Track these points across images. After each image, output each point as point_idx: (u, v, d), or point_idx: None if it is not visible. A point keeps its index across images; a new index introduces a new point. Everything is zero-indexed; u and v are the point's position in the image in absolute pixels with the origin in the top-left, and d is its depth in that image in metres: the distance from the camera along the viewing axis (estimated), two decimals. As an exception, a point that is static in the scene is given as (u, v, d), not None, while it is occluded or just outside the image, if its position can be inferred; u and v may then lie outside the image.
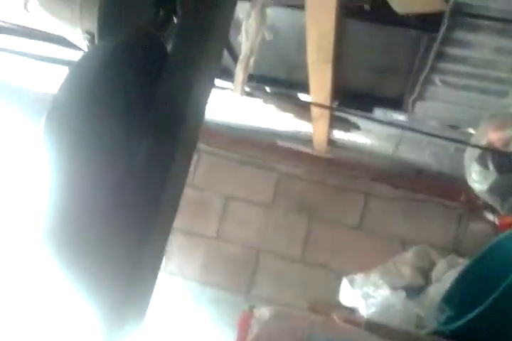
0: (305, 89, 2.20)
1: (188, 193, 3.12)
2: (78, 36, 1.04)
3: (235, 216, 3.16)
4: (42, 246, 0.80)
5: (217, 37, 0.88)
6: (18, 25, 2.28)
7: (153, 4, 1.01)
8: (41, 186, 0.80)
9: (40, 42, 2.29)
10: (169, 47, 0.92)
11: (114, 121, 0.85)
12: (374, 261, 2.50)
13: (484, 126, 1.89)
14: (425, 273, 2.40)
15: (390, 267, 2.46)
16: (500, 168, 1.71)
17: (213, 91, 0.92)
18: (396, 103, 2.23)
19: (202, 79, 0.87)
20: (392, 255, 2.61)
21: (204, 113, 0.91)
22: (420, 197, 2.95)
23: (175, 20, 1.03)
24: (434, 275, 2.35)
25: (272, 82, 2.40)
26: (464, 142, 1.99)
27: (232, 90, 1.93)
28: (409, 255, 2.51)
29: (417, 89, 1.98)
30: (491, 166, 1.73)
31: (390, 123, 2.42)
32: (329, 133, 2.74)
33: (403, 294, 2.11)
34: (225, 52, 2.01)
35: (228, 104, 2.70)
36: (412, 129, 2.36)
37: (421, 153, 2.64)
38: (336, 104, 2.30)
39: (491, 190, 1.78)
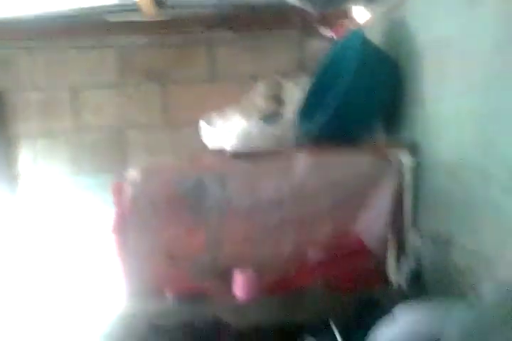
0: None
1: (33, 96, 3.02)
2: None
3: (88, 105, 3.06)
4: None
5: None
6: None
7: None
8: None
9: None
10: None
11: None
12: (234, 102, 2.52)
13: None
14: (278, 100, 2.47)
15: (244, 103, 2.50)
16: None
17: None
18: None
19: None
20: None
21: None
22: (259, 33, 2.96)
23: None
24: (285, 98, 2.43)
25: None
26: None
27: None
28: (259, 87, 2.56)
29: None
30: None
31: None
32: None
33: (260, 121, 2.16)
34: None
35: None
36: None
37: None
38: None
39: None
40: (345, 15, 2.65)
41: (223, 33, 2.99)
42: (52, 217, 3.04)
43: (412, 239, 1.81)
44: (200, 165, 2.01)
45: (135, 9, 2.86)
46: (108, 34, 3.03)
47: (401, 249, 1.88)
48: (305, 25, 2.88)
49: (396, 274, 1.86)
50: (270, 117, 2.31)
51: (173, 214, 1.90)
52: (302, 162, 1.89)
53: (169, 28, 3.01)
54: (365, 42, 2.01)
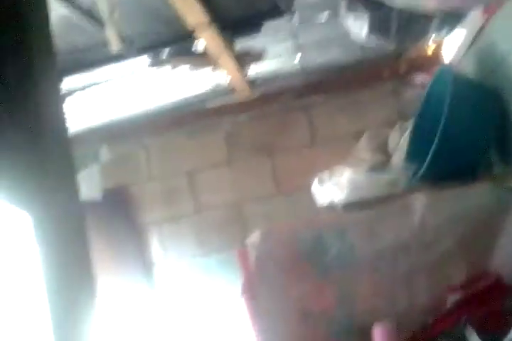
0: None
1: (154, 187, 3.22)
2: None
3: (205, 186, 3.21)
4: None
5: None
6: None
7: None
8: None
9: None
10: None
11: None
12: (339, 163, 2.55)
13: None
14: (383, 150, 2.47)
15: (351, 159, 2.52)
16: (369, 7, 1.78)
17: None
18: (275, 11, 2.29)
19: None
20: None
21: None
22: (353, 93, 3.02)
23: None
24: (390, 146, 2.42)
25: (158, 44, 2.44)
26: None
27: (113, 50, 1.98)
28: (363, 142, 2.58)
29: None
30: (360, 8, 1.79)
31: (285, 37, 2.50)
32: (242, 73, 2.79)
33: (368, 172, 2.18)
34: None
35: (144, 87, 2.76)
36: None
37: (327, 53, 2.71)
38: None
39: (371, 30, 1.84)
40: (430, 53, 2.67)
41: (314, 97, 3.07)
42: (186, 300, 3.12)
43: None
44: (316, 222, 2.02)
45: (230, 92, 3.05)
46: (212, 117, 3.21)
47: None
48: (397, 75, 2.90)
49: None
50: (378, 167, 2.31)
51: (298, 271, 1.91)
52: (418, 202, 1.86)
53: (265, 103, 3.14)
54: (456, 77, 2.00)
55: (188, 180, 3.21)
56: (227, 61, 2.59)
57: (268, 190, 3.09)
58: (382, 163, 2.36)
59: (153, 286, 3.17)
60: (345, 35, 2.17)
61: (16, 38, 0.81)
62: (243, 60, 2.70)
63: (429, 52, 2.73)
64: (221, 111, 3.17)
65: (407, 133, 2.31)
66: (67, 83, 2.44)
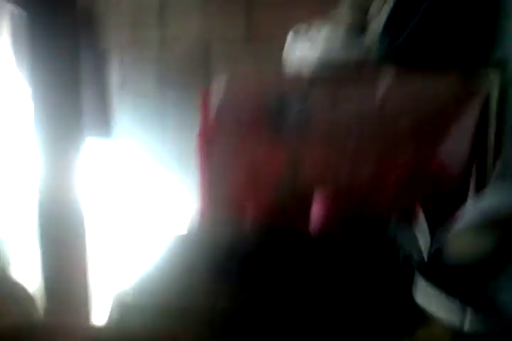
0: None
1: (123, 9, 3.03)
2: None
3: (175, 19, 3.04)
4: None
5: None
6: None
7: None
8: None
9: None
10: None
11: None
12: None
13: None
14: (366, 12, 2.35)
15: (332, 14, 2.40)
16: None
17: None
18: None
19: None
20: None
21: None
22: None
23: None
24: (372, 10, 2.30)
25: None
26: None
27: None
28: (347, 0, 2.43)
29: None
30: None
31: None
32: None
33: (345, 33, 2.09)
34: None
35: None
36: None
37: None
38: None
39: None
40: None
41: None
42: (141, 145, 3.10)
43: (495, 165, 1.74)
44: (282, 80, 1.98)
45: None
46: None
47: (483, 174, 1.82)
48: None
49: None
50: (356, 29, 2.22)
51: (256, 128, 1.92)
52: (385, 78, 1.84)
53: None
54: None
55: (158, 10, 3.03)
56: None
57: (240, 33, 2.95)
58: (361, 26, 2.26)
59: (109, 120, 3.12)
60: None
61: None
62: None
63: None
64: None
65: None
66: None
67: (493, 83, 1.75)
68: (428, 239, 1.21)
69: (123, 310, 1.16)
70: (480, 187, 1.78)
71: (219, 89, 1.93)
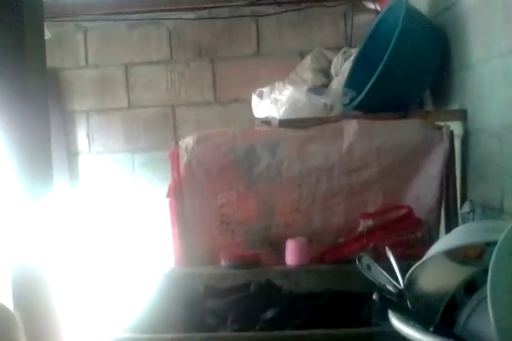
0: None
1: (88, 74, 3.11)
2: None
3: (140, 80, 3.14)
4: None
5: None
6: None
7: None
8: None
9: None
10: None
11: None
12: (280, 78, 2.54)
13: None
14: (326, 73, 2.49)
15: (293, 77, 2.53)
16: None
17: None
18: None
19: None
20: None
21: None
22: (305, 8, 2.95)
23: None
24: (332, 70, 2.44)
25: None
26: None
27: None
28: (307, 61, 2.58)
29: None
30: None
31: None
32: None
33: (308, 92, 2.20)
34: None
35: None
36: None
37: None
38: None
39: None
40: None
41: (268, 7, 2.98)
42: (110, 193, 3.13)
43: (463, 207, 1.81)
44: (251, 134, 2.04)
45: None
46: (155, 11, 3.07)
47: (451, 217, 1.89)
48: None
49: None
50: (318, 89, 2.34)
51: (226, 179, 1.95)
52: (350, 129, 1.91)
53: (214, 3, 3.02)
54: (408, 10, 2.00)
55: (124, 72, 3.12)
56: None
57: (205, 96, 3.06)
58: (322, 85, 2.39)
59: (77, 180, 3.15)
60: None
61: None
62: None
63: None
64: (166, 4, 3.02)
65: (350, 60, 2.33)
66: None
67: (455, 130, 1.86)
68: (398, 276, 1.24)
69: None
70: (449, 228, 1.84)
71: (188, 147, 1.98)
